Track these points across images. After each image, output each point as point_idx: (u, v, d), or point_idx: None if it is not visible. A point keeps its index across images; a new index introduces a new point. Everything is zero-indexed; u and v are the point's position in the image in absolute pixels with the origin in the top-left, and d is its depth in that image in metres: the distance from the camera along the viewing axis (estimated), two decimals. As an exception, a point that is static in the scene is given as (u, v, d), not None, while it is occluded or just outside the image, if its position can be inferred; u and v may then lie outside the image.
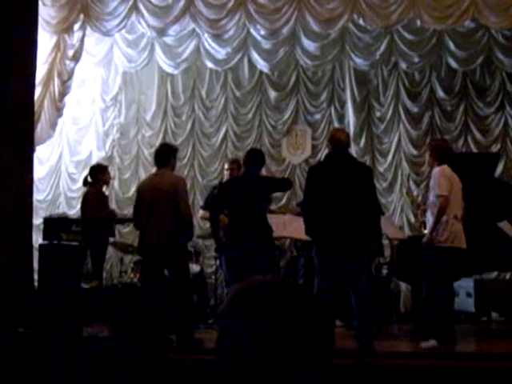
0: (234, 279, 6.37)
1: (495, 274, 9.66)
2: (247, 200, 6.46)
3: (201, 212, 8.69)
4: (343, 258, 5.83)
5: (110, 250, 9.38)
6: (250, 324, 1.22)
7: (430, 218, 6.16)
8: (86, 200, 7.94)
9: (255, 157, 6.71)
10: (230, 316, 1.26)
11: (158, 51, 10.47)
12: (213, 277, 9.15)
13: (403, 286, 9.55)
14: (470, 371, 4.94)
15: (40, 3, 8.25)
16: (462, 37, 9.98)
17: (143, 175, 10.51)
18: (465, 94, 10.51)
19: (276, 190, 7.35)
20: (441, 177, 6.06)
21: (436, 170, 6.17)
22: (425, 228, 6.34)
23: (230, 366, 1.23)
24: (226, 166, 8.34)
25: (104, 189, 8.36)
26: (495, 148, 10.26)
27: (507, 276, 9.93)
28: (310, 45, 10.18)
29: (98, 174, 8.00)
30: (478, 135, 10.40)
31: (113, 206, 10.24)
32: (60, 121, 9.78)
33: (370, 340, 5.82)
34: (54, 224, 9.03)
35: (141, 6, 9.16)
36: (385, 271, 8.38)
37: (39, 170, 10.34)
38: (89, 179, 8.05)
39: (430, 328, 6.04)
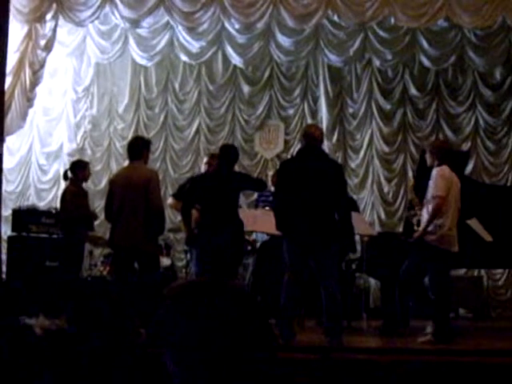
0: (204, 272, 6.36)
1: (463, 270, 9.78)
2: (219, 194, 6.47)
3: (170, 200, 8.16)
4: (314, 252, 5.85)
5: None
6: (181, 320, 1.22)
7: (425, 216, 6.27)
8: (64, 197, 7.80)
9: (229, 152, 6.74)
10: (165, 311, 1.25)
11: (132, 43, 10.38)
12: (183, 270, 9.13)
13: (372, 282, 9.62)
14: (437, 367, 5.00)
15: (12, -9, 8.15)
16: (435, 36, 10.06)
17: (115, 167, 10.44)
18: (437, 93, 10.60)
19: (248, 188, 7.38)
20: (439, 178, 6.18)
21: (435, 170, 6.27)
22: (418, 226, 6.43)
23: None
24: (205, 160, 8.12)
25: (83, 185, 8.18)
26: (465, 146, 10.37)
27: (475, 273, 10.05)
28: (284, 40, 10.18)
29: (77, 170, 7.87)
30: (449, 133, 10.50)
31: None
32: (31, 111, 9.63)
33: (339, 335, 5.85)
34: (23, 216, 8.94)
35: (115, -3, 9.07)
36: (354, 267, 8.42)
37: (9, 161, 10.22)
38: (69, 174, 7.91)
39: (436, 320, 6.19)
